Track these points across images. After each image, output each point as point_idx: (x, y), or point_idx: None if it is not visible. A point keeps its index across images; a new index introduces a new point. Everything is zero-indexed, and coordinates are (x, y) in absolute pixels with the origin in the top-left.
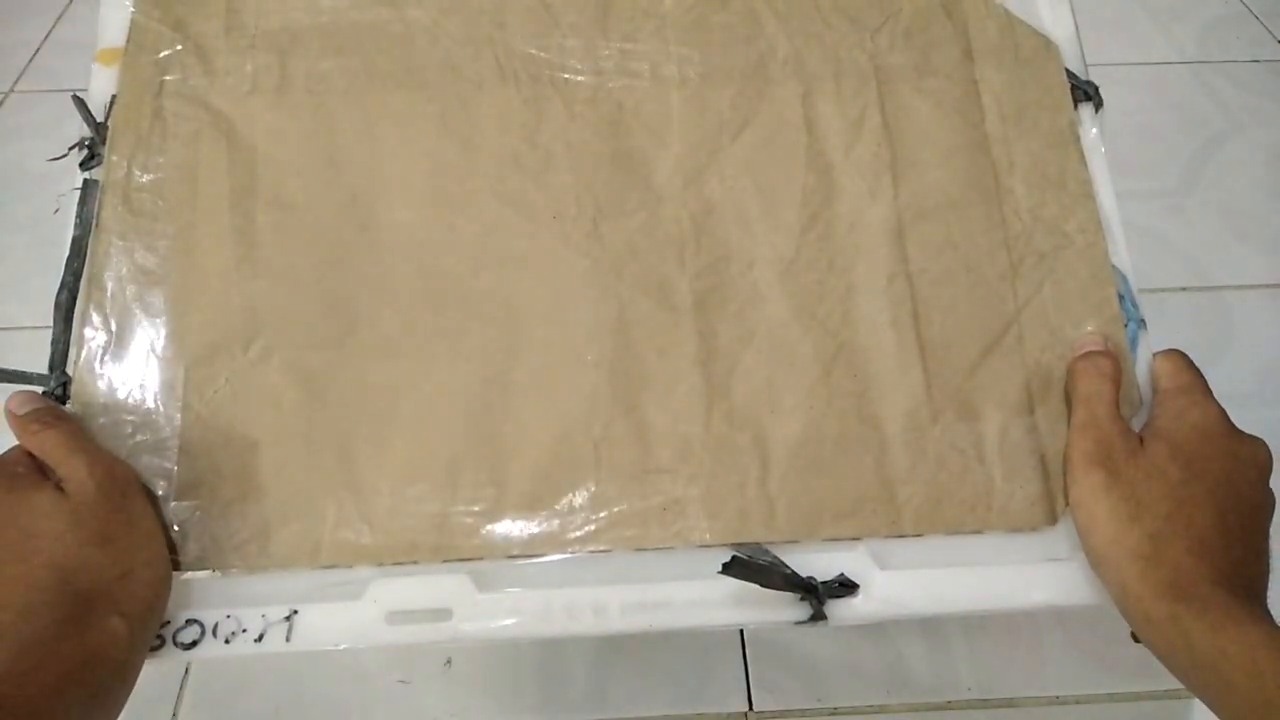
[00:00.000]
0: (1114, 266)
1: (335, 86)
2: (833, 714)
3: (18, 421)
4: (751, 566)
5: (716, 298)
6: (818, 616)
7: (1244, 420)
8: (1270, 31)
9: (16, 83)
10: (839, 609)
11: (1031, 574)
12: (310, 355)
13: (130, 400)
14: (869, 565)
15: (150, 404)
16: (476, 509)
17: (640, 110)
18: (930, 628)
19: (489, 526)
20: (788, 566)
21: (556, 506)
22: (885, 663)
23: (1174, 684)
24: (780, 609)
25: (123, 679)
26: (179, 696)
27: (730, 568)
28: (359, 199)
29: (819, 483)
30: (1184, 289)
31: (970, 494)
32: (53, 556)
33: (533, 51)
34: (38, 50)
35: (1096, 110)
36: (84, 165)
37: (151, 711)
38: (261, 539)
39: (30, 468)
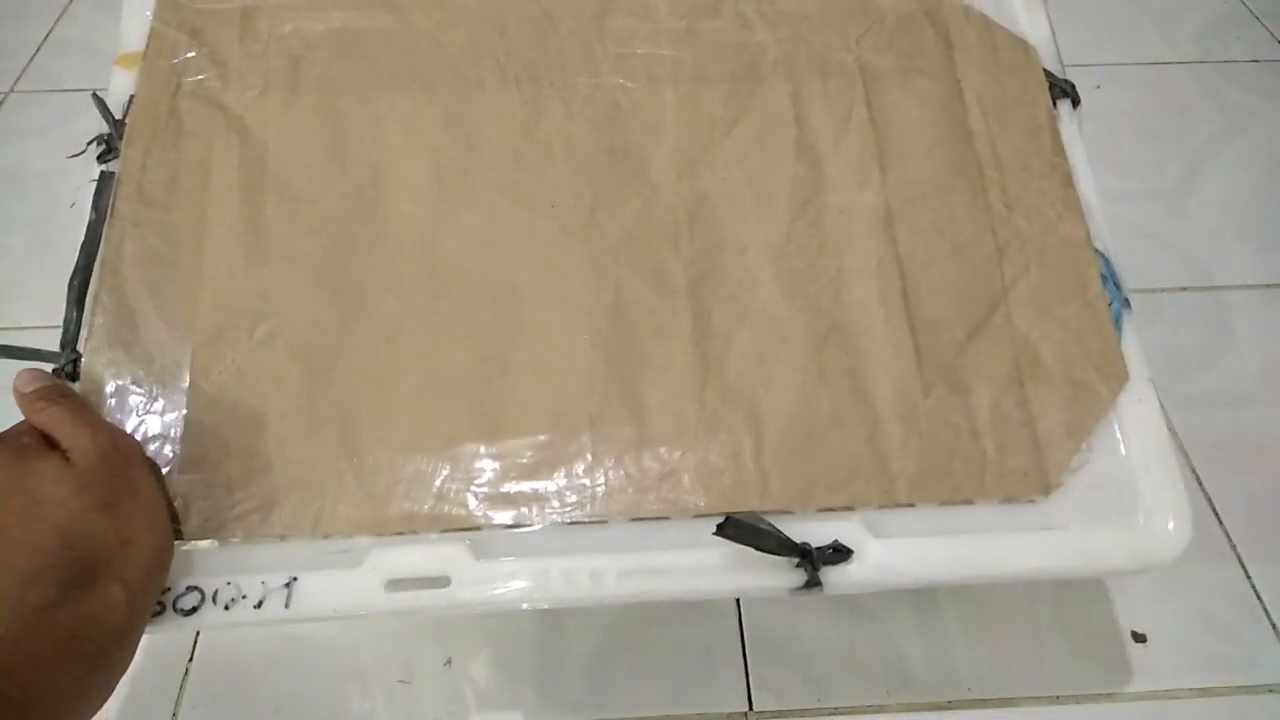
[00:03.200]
0: (1095, 249)
1: (343, 88)
2: (833, 714)
3: (24, 398)
4: (746, 528)
5: (710, 281)
6: (813, 583)
7: (1245, 420)
8: (1270, 31)
9: (17, 83)
10: (834, 576)
11: (1025, 542)
12: (314, 337)
13: (138, 379)
14: (863, 533)
15: (157, 383)
16: (475, 481)
17: (636, 108)
18: (930, 627)
19: (487, 497)
20: (782, 532)
21: (553, 478)
22: (885, 663)
23: (1174, 684)
24: (776, 574)
25: (122, 646)
26: (179, 697)
27: (724, 528)
28: (364, 191)
29: (812, 455)
30: (1184, 289)
31: (963, 465)
32: (57, 522)
33: (532, 55)
34: (38, 50)
35: (1075, 106)
36: (101, 159)
37: (151, 711)
38: (263, 510)
39: (37, 438)
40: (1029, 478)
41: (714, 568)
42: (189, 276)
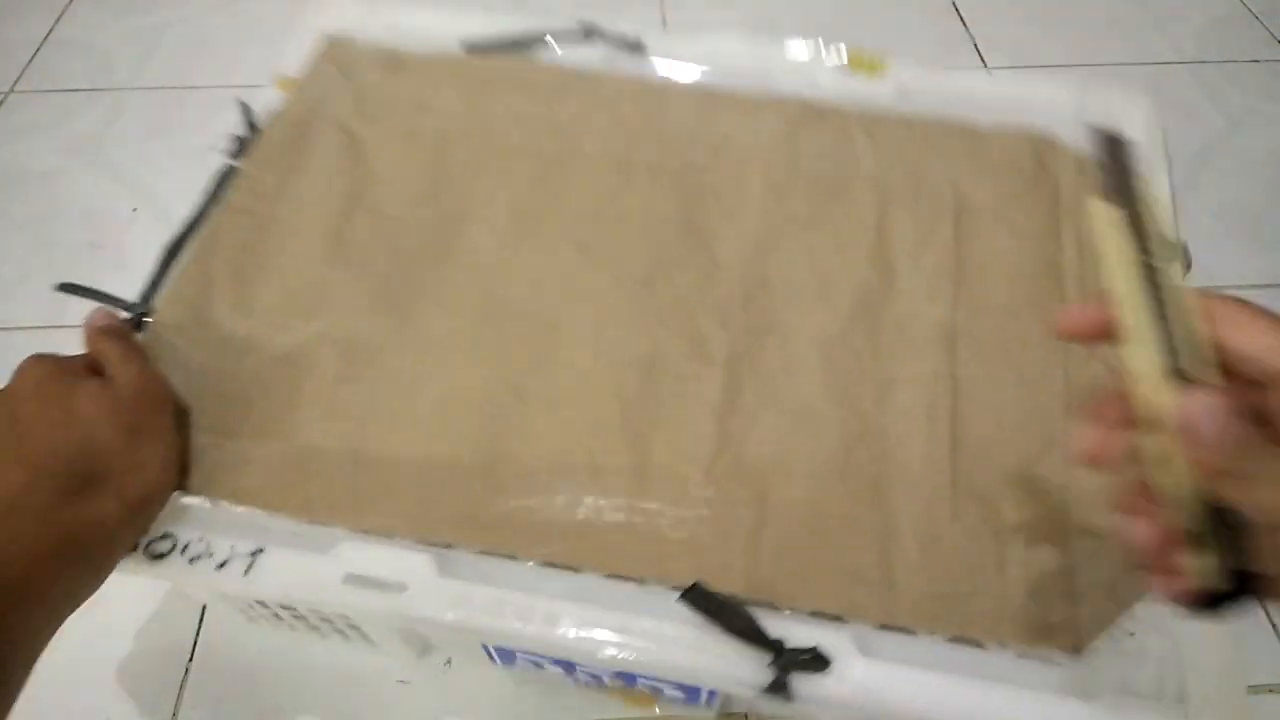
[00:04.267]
0: None
1: (456, 135)
2: None
3: (89, 329)
4: (713, 600)
5: (750, 360)
6: (779, 686)
7: None
8: (1270, 31)
9: (16, 83)
10: (806, 685)
11: (1042, 704)
12: (359, 337)
13: (192, 342)
14: (850, 647)
15: (208, 350)
16: (462, 499)
17: (721, 192)
18: None
19: (470, 518)
20: (755, 619)
21: (538, 513)
22: None
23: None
24: (742, 666)
25: (108, 553)
26: (179, 696)
27: (689, 595)
28: (447, 223)
29: (814, 551)
30: None
31: (982, 600)
32: (82, 434)
33: (635, 127)
34: (38, 50)
35: (1186, 270)
36: (233, 155)
37: (151, 711)
38: (260, 480)
39: (87, 365)
40: (1058, 632)
41: (676, 641)
42: (267, 265)
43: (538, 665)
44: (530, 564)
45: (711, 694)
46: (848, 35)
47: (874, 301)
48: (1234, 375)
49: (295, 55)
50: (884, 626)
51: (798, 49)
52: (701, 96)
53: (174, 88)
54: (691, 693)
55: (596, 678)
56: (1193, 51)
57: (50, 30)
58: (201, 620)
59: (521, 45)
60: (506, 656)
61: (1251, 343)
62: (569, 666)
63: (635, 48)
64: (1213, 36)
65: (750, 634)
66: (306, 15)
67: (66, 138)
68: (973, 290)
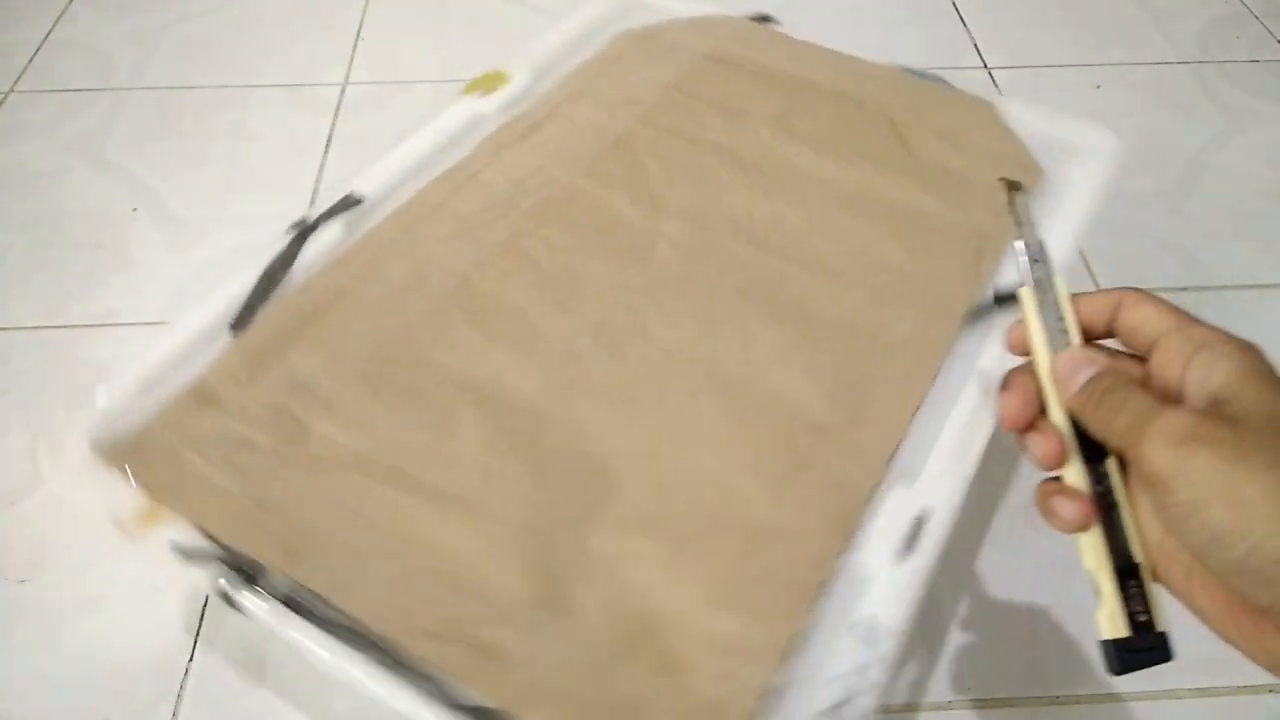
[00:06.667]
0: None
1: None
2: None
3: None
4: None
5: None
6: None
7: None
8: (1270, 31)
9: (16, 83)
10: None
11: None
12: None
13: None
14: None
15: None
16: None
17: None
18: (928, 627)
19: None
20: None
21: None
22: None
23: (1174, 684)
24: None
25: None
26: (179, 696)
27: None
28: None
29: None
30: (1184, 289)
31: None
32: None
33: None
34: (38, 50)
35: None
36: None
37: (151, 711)
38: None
39: None
40: None
41: None
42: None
43: None
44: None
45: None
46: (848, 36)
47: None
48: (1131, 345)
49: None
50: None
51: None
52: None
53: (174, 88)
54: None
55: None
56: (1193, 51)
57: (50, 31)
58: (201, 620)
59: None
60: None
61: (1139, 315)
62: None
63: None
64: (1213, 36)
65: None
66: None
67: (66, 138)
68: None
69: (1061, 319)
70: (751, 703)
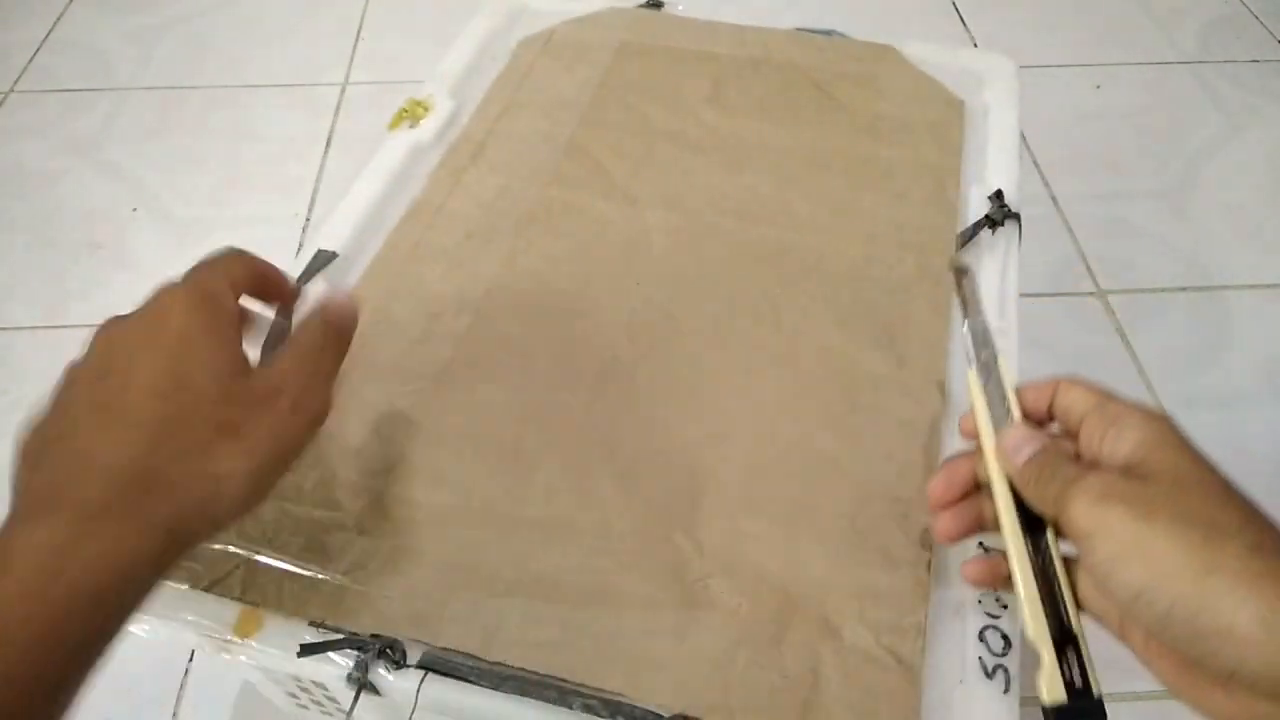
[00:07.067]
0: None
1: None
2: None
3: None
4: None
5: None
6: None
7: (1244, 419)
8: (1270, 31)
9: (16, 83)
10: None
11: None
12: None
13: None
14: None
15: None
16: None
17: None
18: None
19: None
20: None
21: None
22: None
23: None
24: None
25: (139, 599)
26: (179, 696)
27: None
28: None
29: None
30: (1184, 289)
31: None
32: (170, 407)
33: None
34: (38, 50)
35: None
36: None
37: (151, 711)
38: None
39: (233, 306)
40: None
41: None
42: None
43: None
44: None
45: None
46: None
47: None
48: (1066, 426)
49: None
50: None
51: None
52: None
53: (174, 88)
54: None
55: None
56: (1193, 51)
57: (50, 31)
58: None
59: None
60: None
61: (1070, 398)
62: None
63: None
64: (1213, 36)
65: None
66: None
67: (66, 138)
68: None
69: (1005, 398)
70: (918, 641)
